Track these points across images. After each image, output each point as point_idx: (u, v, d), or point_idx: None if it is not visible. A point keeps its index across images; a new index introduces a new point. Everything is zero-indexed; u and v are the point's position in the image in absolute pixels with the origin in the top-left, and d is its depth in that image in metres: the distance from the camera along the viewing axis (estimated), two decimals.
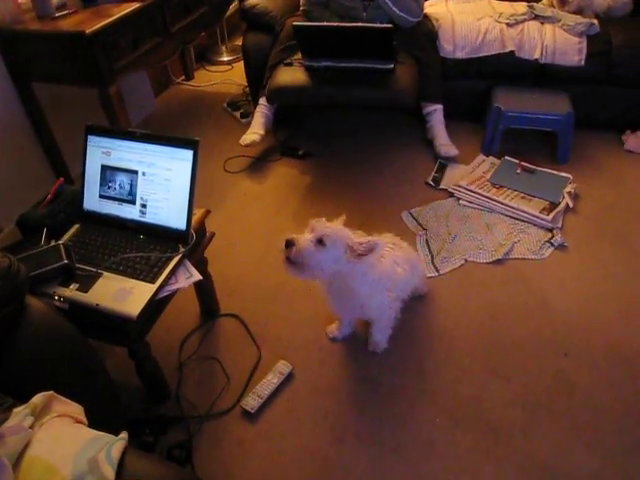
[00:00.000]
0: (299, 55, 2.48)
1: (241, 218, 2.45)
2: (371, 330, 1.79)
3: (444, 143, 2.68)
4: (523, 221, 2.31)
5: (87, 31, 1.97)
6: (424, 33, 2.65)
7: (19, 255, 1.35)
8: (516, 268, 2.12)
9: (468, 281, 2.07)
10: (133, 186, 1.56)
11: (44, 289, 1.39)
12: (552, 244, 2.19)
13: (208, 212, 1.69)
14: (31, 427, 0.93)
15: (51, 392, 1.01)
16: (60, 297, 1.37)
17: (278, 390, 1.72)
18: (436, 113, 2.71)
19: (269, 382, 1.73)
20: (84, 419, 1.03)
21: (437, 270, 2.12)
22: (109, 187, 1.59)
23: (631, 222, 2.30)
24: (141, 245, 1.53)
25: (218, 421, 1.65)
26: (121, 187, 1.58)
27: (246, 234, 2.35)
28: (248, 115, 3.09)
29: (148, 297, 1.38)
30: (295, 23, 2.33)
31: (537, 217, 2.30)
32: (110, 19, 2.07)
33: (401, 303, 1.79)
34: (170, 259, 1.49)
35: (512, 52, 2.68)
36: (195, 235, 1.55)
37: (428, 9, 2.83)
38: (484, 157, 2.70)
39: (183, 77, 3.71)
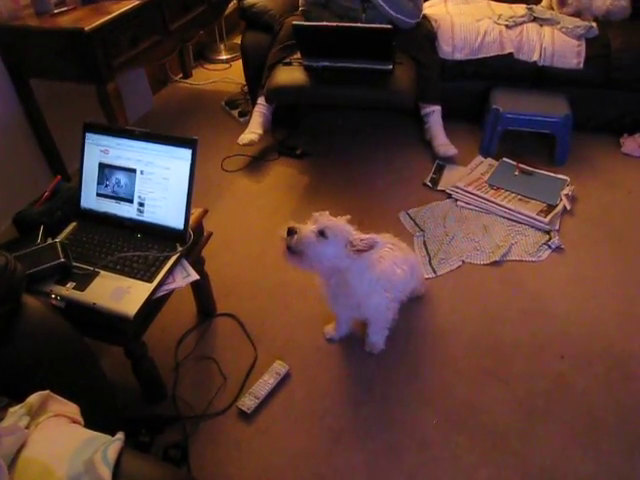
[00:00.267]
0: (298, 55, 2.47)
1: (239, 217, 2.45)
2: (368, 331, 1.79)
3: (443, 143, 2.68)
4: (520, 223, 2.32)
5: (86, 28, 1.96)
6: (423, 34, 2.65)
7: (15, 253, 1.35)
8: (513, 270, 2.12)
9: (465, 282, 2.08)
10: (131, 184, 1.56)
11: (40, 287, 1.38)
12: (549, 246, 2.20)
13: (206, 211, 1.69)
14: (27, 427, 0.92)
15: (47, 392, 1.00)
16: (57, 296, 1.37)
17: (274, 390, 1.72)
18: (434, 114, 2.71)
19: (265, 382, 1.72)
20: (80, 419, 1.02)
21: (434, 271, 2.12)
22: (107, 185, 1.59)
23: (628, 225, 2.31)
24: (138, 244, 1.52)
25: (214, 421, 1.65)
26: (119, 185, 1.57)
27: (243, 233, 2.35)
28: (246, 114, 3.09)
29: (145, 296, 1.37)
30: (295, 23, 2.32)
31: (534, 219, 2.30)
32: (109, 16, 2.06)
33: (399, 304, 1.79)
34: (167, 258, 1.48)
35: (511, 54, 2.68)
36: (193, 234, 1.54)
37: (427, 10, 2.83)
38: (482, 158, 2.70)
39: (181, 75, 3.70)
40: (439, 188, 2.54)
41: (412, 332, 1.90)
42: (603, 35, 2.66)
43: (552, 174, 2.55)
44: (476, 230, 2.30)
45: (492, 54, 2.69)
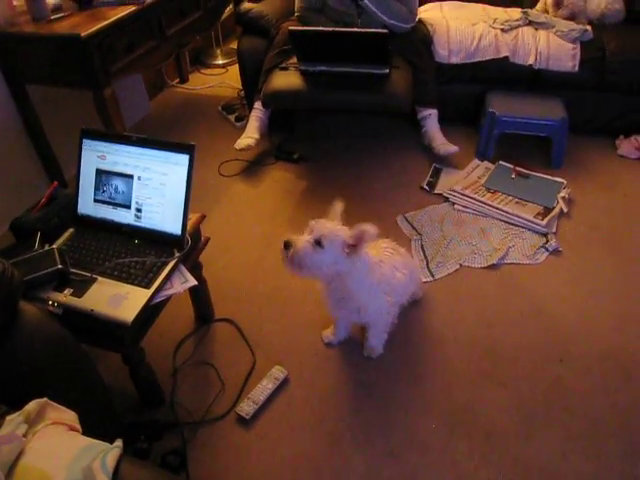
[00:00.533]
0: (294, 59, 2.48)
1: (236, 222, 2.45)
2: (367, 335, 1.79)
3: (442, 142, 2.68)
4: (518, 226, 2.32)
5: (82, 34, 1.97)
6: (419, 38, 2.66)
7: (12, 260, 1.34)
8: (511, 273, 2.12)
9: (463, 286, 2.08)
10: (128, 190, 1.55)
11: (38, 294, 1.38)
12: (546, 249, 2.20)
13: (203, 217, 1.68)
14: (25, 435, 0.92)
15: (45, 399, 1.00)
16: (54, 302, 1.36)
17: (273, 395, 1.71)
18: (431, 118, 2.71)
19: (264, 387, 1.72)
20: (78, 426, 1.02)
21: (432, 275, 2.12)
22: (104, 191, 1.58)
23: (625, 227, 2.31)
24: (136, 250, 1.52)
25: (213, 427, 1.64)
26: (116, 191, 1.57)
27: (241, 238, 2.35)
28: (243, 119, 3.09)
29: (143, 302, 1.37)
30: (291, 27, 2.33)
31: (531, 222, 2.31)
32: (105, 22, 2.06)
33: (398, 308, 1.79)
34: (165, 264, 1.48)
35: (506, 57, 2.69)
36: (190, 240, 1.54)
37: (423, 14, 2.84)
38: (479, 162, 2.71)
39: (178, 80, 3.71)
40: (436, 192, 2.55)
41: (410, 336, 1.90)
42: (598, 38, 2.67)
43: (549, 177, 2.56)
44: (473, 233, 2.30)
45: (488, 58, 2.70)
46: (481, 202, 2.43)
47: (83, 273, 1.44)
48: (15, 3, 2.20)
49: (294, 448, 1.58)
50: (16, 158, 2.37)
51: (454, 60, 2.73)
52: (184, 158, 1.48)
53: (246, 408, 1.66)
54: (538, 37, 2.70)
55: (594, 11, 2.80)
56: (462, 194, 2.48)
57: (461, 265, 2.16)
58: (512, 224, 2.33)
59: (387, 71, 2.36)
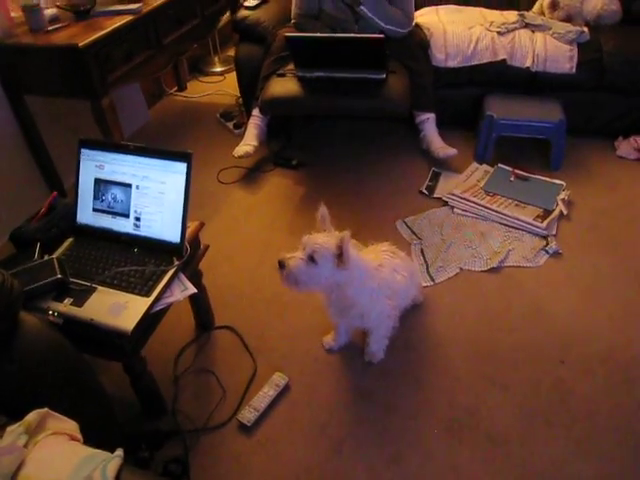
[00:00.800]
0: (292, 66, 2.48)
1: (235, 229, 2.45)
2: (368, 340, 1.79)
3: (441, 146, 2.68)
4: (517, 229, 2.32)
5: (80, 44, 1.98)
6: (416, 43, 2.66)
7: (12, 270, 1.34)
8: (511, 276, 2.12)
9: (464, 290, 2.07)
10: (127, 199, 1.56)
11: (38, 304, 1.38)
12: (547, 251, 2.20)
13: (202, 224, 1.69)
14: (25, 446, 0.92)
15: (45, 409, 1.00)
16: (54, 312, 1.36)
17: (274, 402, 1.71)
18: (429, 122, 2.72)
19: (265, 394, 1.72)
20: (79, 436, 1.02)
21: (432, 279, 2.11)
22: (103, 200, 1.59)
23: (624, 228, 2.31)
24: (135, 258, 1.52)
25: (214, 434, 1.64)
26: (115, 200, 1.57)
27: (240, 245, 2.35)
28: (241, 126, 3.09)
29: (143, 311, 1.37)
30: (288, 34, 2.34)
31: (531, 224, 2.30)
32: (103, 32, 2.08)
33: (400, 312, 1.79)
34: (165, 272, 1.48)
35: (504, 60, 2.69)
36: (189, 248, 1.54)
37: (419, 19, 2.85)
38: (477, 165, 2.71)
39: (176, 88, 3.72)
40: (435, 196, 2.55)
41: (411, 341, 1.89)
42: (595, 39, 2.68)
43: (548, 179, 2.56)
44: (473, 237, 2.30)
45: (485, 61, 2.71)
46: (480, 205, 2.43)
47: (83, 282, 1.44)
48: (13, 14, 2.22)
49: (296, 454, 1.58)
50: (15, 168, 2.38)
51: (451, 64, 2.73)
52: (182, 166, 1.49)
53: (247, 415, 1.66)
54: (535, 39, 2.70)
55: (590, 12, 2.80)
56: (461, 198, 2.48)
57: (461, 269, 2.15)
58: (512, 227, 2.33)
59: (384, 76, 2.36)
